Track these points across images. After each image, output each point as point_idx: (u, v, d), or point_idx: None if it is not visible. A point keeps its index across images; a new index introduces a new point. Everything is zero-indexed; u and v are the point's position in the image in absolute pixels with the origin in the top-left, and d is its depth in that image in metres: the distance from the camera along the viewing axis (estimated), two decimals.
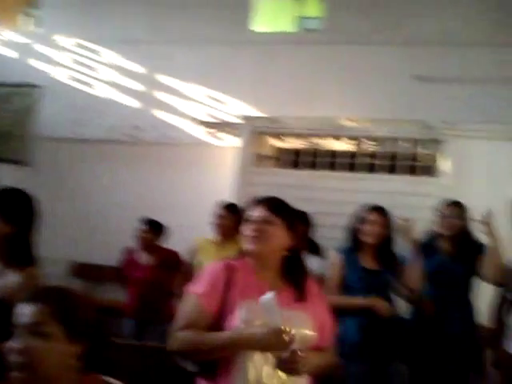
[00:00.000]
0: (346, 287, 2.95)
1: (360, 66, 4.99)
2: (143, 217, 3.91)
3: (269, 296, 1.54)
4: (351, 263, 2.94)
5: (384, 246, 2.92)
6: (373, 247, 2.94)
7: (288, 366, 1.52)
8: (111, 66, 5.45)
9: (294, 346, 1.52)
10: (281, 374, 1.57)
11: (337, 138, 4.16)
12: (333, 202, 3.82)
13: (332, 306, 1.87)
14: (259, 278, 1.70)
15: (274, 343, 1.49)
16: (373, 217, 2.91)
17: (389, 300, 2.90)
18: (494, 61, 4.78)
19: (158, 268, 3.76)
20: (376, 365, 2.82)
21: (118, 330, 3.74)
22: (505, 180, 3.71)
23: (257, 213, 1.73)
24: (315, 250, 3.42)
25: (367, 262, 2.93)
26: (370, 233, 2.89)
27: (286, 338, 1.49)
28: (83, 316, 1.23)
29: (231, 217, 3.47)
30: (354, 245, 2.97)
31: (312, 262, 3.17)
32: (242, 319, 1.59)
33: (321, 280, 3.03)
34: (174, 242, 3.87)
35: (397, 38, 4.87)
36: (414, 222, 2.96)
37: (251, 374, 1.57)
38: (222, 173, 4.61)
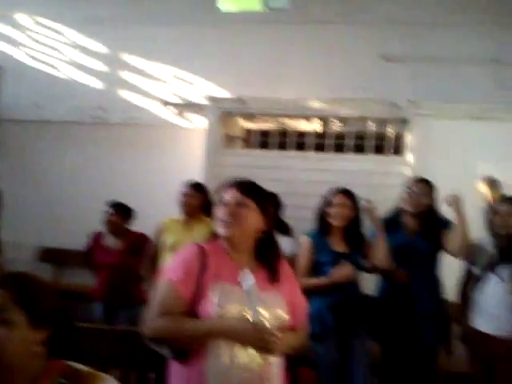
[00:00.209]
0: (316, 271, 2.99)
1: (327, 45, 4.98)
2: (110, 200, 3.85)
3: (250, 281, 1.55)
4: (321, 246, 2.97)
5: (352, 228, 2.96)
6: (341, 229, 2.97)
7: (262, 345, 1.55)
8: (74, 46, 5.29)
9: (269, 326, 1.55)
10: (254, 353, 1.58)
11: (305, 118, 4.15)
12: (301, 182, 3.85)
13: (302, 288, 1.89)
14: (232, 260, 1.70)
15: (254, 341, 1.53)
16: (339, 199, 2.94)
17: (355, 281, 2.94)
18: (458, 41, 4.84)
19: (127, 252, 3.71)
20: (341, 341, 2.88)
21: (88, 314, 3.67)
22: (469, 158, 3.79)
23: (230, 195, 1.72)
24: (285, 230, 3.44)
25: (336, 244, 2.97)
26: (337, 216, 2.92)
27: (267, 336, 1.52)
28: (46, 302, 1.21)
29: (197, 195, 3.47)
30: (323, 228, 3.00)
31: (282, 243, 3.21)
32: (215, 303, 1.58)
33: (292, 260, 3.07)
34: (142, 225, 3.81)
35: (363, 18, 4.87)
36: (375, 203, 2.99)
37: (224, 356, 1.57)
38: (190, 154, 4.57)
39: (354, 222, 2.96)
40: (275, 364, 1.64)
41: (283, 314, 1.67)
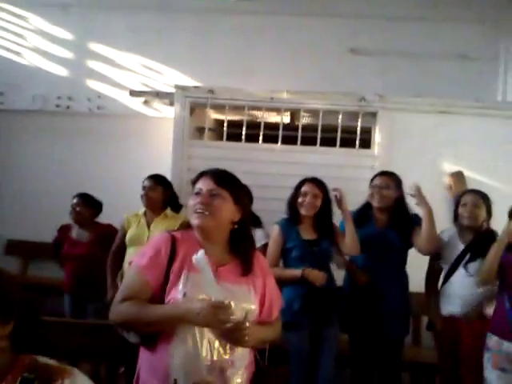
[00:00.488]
0: (284, 257, 3.03)
1: (297, 38, 4.99)
2: (77, 192, 3.78)
3: (200, 254, 1.54)
4: (291, 235, 3.01)
5: (322, 216, 2.98)
6: (311, 218, 3.01)
7: (231, 336, 1.55)
8: (39, 33, 5.14)
9: (237, 318, 1.54)
10: (222, 344, 1.58)
11: (275, 110, 4.14)
12: (270, 174, 3.84)
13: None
14: (204, 251, 1.66)
15: (211, 319, 1.48)
16: (308, 188, 2.97)
17: (327, 270, 2.97)
18: (426, 36, 4.92)
19: (94, 244, 3.66)
20: (314, 330, 2.92)
21: (58, 308, 3.64)
22: (436, 152, 3.86)
23: (203, 186, 1.70)
24: (256, 222, 3.44)
25: (307, 233, 3.00)
26: (306, 204, 2.96)
27: (224, 314, 1.48)
28: (10, 295, 1.18)
29: (157, 188, 3.45)
30: (294, 217, 3.03)
31: (255, 235, 3.23)
32: (183, 292, 1.58)
33: (264, 252, 3.12)
34: (111, 217, 3.75)
35: (334, 11, 4.89)
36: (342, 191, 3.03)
37: (188, 343, 1.56)
38: (158, 145, 4.51)
39: (324, 210, 2.99)
40: (240, 355, 1.63)
41: (252, 307, 1.66)
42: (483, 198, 2.96)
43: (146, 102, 4.76)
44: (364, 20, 4.89)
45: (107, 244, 3.57)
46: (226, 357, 1.59)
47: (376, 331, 3.06)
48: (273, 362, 1.93)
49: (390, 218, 3.13)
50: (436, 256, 3.12)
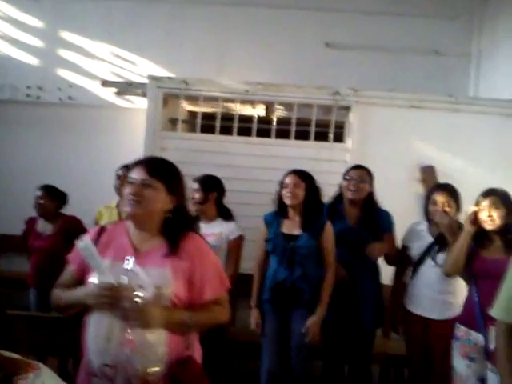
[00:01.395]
0: (266, 252, 3.05)
1: (273, 30, 4.98)
2: (41, 183, 3.69)
3: (83, 243, 1.65)
4: (272, 228, 3.02)
5: (307, 209, 2.97)
6: (297, 211, 2.99)
7: (133, 319, 1.58)
8: (9, 21, 5.01)
9: (138, 299, 1.58)
10: (133, 328, 1.60)
11: (249, 103, 4.12)
12: (245, 167, 3.82)
13: None
14: (132, 239, 1.75)
15: (100, 301, 1.60)
16: (289, 180, 2.97)
17: (301, 265, 2.96)
18: (400, 31, 4.96)
19: (58, 236, 3.57)
20: (282, 315, 2.98)
21: (26, 302, 3.60)
22: (408, 146, 3.88)
23: (136, 175, 1.71)
24: (227, 215, 3.42)
25: (289, 227, 2.99)
26: (289, 195, 2.95)
27: (111, 296, 1.57)
28: None
29: None
30: (280, 210, 3.02)
31: (226, 228, 3.26)
32: (94, 278, 1.66)
33: (238, 244, 3.23)
34: (81, 209, 3.69)
35: (310, 4, 4.89)
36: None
37: (100, 327, 1.64)
38: (131, 137, 4.43)
39: (308, 201, 2.98)
40: (154, 338, 1.63)
41: (167, 290, 1.65)
42: (452, 195, 3.00)
43: (118, 93, 4.68)
44: (339, 14, 4.90)
45: (71, 236, 3.48)
46: (135, 339, 1.61)
47: (350, 323, 3.08)
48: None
49: (361, 213, 3.15)
50: (406, 247, 3.17)
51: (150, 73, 4.26)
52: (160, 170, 1.75)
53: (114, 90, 4.63)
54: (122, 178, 3.38)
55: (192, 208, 3.15)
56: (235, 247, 3.27)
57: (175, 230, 1.76)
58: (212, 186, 3.27)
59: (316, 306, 2.96)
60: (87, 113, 4.78)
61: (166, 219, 1.77)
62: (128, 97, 4.73)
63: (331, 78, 4.33)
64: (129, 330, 1.61)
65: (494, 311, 1.70)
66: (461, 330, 2.70)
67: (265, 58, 4.89)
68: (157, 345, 1.64)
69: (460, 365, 2.68)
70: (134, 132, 4.40)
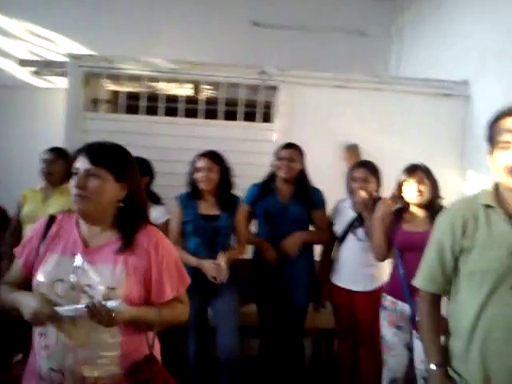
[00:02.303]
0: (184, 234, 2.99)
1: (198, 8, 4.88)
2: None
3: None
4: (188, 210, 2.98)
5: (221, 191, 2.95)
6: (212, 193, 2.97)
7: (91, 318, 1.46)
8: None
9: (91, 298, 1.49)
10: (86, 327, 1.51)
11: (176, 82, 4.02)
12: (172, 148, 3.74)
13: None
14: (83, 233, 1.63)
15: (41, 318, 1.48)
16: (202, 163, 2.93)
17: (223, 244, 2.96)
18: (325, 11, 5.01)
19: None
20: (206, 299, 2.98)
21: None
22: (334, 125, 3.95)
23: (80, 165, 1.58)
24: (155, 199, 3.35)
25: (206, 208, 2.97)
26: (202, 179, 2.92)
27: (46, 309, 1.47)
28: None
29: (59, 162, 3.26)
30: (193, 192, 2.98)
31: (154, 212, 3.16)
32: (44, 273, 1.56)
33: (167, 228, 3.12)
34: (3, 194, 3.48)
35: None
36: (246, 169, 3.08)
37: (49, 333, 1.55)
38: (51, 118, 4.21)
39: (222, 184, 2.96)
40: (98, 340, 1.54)
41: (119, 291, 1.54)
42: (372, 172, 3.11)
43: (36, 73, 4.40)
44: None
45: None
46: (79, 342, 1.53)
47: (282, 301, 3.13)
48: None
49: (293, 190, 3.18)
50: (332, 223, 3.25)
51: (71, 51, 4.04)
52: (104, 156, 1.60)
53: (32, 69, 4.36)
54: (47, 162, 3.26)
55: None
56: (164, 232, 3.22)
57: (129, 221, 1.64)
58: (144, 169, 3.20)
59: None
60: (3, 93, 4.48)
61: (119, 209, 1.64)
62: (47, 77, 4.48)
63: (258, 58, 4.30)
64: (79, 334, 1.52)
65: (417, 281, 1.78)
66: (387, 300, 2.83)
67: (191, 37, 4.79)
68: (106, 349, 1.55)
69: (388, 333, 2.81)
70: (54, 113, 4.17)
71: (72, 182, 1.58)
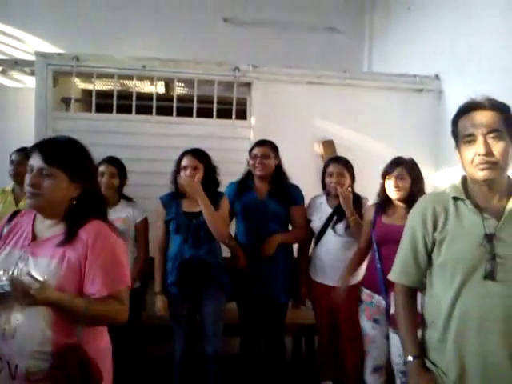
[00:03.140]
0: (168, 233, 2.97)
1: (169, 4, 4.83)
2: None
3: None
4: (171, 208, 2.96)
5: (206, 188, 2.93)
6: None
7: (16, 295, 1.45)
8: None
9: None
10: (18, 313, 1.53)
11: (148, 79, 3.96)
12: (146, 147, 3.69)
13: None
14: (36, 226, 1.66)
15: None
16: (187, 162, 2.91)
17: (207, 242, 2.93)
18: (296, 7, 5.02)
19: None
20: (191, 300, 2.95)
21: None
22: (307, 121, 3.96)
23: (34, 162, 1.57)
24: (128, 198, 3.32)
25: (190, 205, 2.94)
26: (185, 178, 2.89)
27: None
28: None
29: (27, 163, 3.19)
30: (177, 190, 2.96)
31: (133, 211, 3.22)
32: None
33: (144, 226, 3.20)
34: None
35: None
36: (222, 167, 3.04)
37: None
38: (20, 118, 4.08)
39: (207, 180, 2.94)
40: (27, 327, 1.54)
41: (52, 283, 1.52)
42: (346, 166, 3.13)
43: (3, 72, 4.30)
44: None
45: None
46: (5, 327, 1.54)
47: (262, 298, 3.13)
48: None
49: (270, 187, 3.17)
50: (309, 220, 3.26)
51: (38, 49, 3.95)
52: (59, 156, 1.58)
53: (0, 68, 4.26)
54: (16, 163, 3.23)
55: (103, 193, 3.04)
56: (143, 230, 3.22)
57: (76, 216, 1.63)
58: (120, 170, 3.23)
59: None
60: None
61: (70, 206, 1.64)
62: (14, 76, 4.37)
63: (230, 55, 4.27)
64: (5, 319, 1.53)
65: (392, 275, 1.79)
66: (365, 293, 2.85)
67: (162, 34, 4.74)
68: (38, 343, 1.54)
69: (367, 326, 2.84)
70: (23, 114, 4.05)
71: (26, 179, 1.59)
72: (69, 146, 1.65)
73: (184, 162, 2.93)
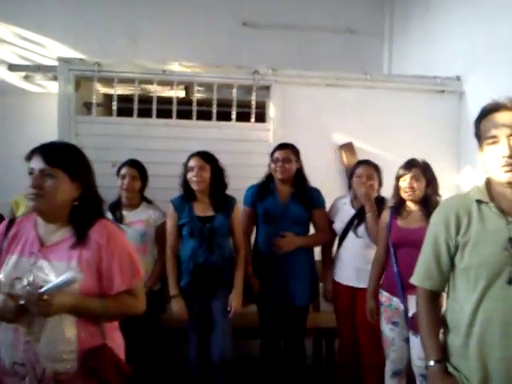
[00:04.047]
0: (180, 237, 2.97)
1: (189, 9, 4.86)
2: None
3: None
4: (183, 212, 2.96)
5: (215, 191, 2.94)
6: (206, 194, 2.96)
7: (33, 309, 1.49)
8: None
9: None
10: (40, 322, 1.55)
11: (168, 84, 3.99)
12: (166, 150, 3.72)
13: None
14: (40, 232, 1.67)
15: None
16: (193, 163, 2.92)
17: (220, 246, 2.95)
18: (315, 9, 5.01)
19: None
20: (203, 303, 2.99)
21: None
22: (326, 124, 3.94)
23: (35, 165, 1.60)
24: (148, 200, 3.35)
25: (201, 209, 2.95)
26: (194, 180, 2.91)
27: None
28: None
29: None
30: (187, 194, 2.97)
31: (154, 213, 3.25)
32: (4, 273, 1.59)
33: (162, 231, 3.15)
34: None
35: None
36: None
37: (8, 327, 1.57)
38: (43, 123, 4.15)
39: (216, 183, 2.95)
40: (53, 333, 1.58)
41: (74, 285, 1.56)
42: (376, 170, 3.12)
43: (26, 77, 4.38)
44: None
45: None
46: (34, 339, 1.56)
47: (282, 301, 3.12)
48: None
49: (292, 190, 3.17)
50: (332, 221, 3.25)
51: (59, 54, 4.01)
52: (59, 156, 1.63)
53: (22, 74, 4.34)
54: None
55: (125, 195, 3.15)
56: (164, 232, 3.23)
57: (83, 217, 1.67)
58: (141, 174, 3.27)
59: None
60: None
61: (73, 208, 1.67)
62: (37, 81, 4.45)
63: (249, 58, 4.30)
64: (31, 327, 1.54)
65: (414, 278, 1.77)
66: (383, 296, 2.84)
67: (181, 39, 4.77)
68: (64, 344, 1.58)
69: (385, 329, 2.82)
70: (46, 118, 4.13)
71: (27, 182, 1.61)
72: (67, 148, 1.72)
73: (191, 163, 2.96)
